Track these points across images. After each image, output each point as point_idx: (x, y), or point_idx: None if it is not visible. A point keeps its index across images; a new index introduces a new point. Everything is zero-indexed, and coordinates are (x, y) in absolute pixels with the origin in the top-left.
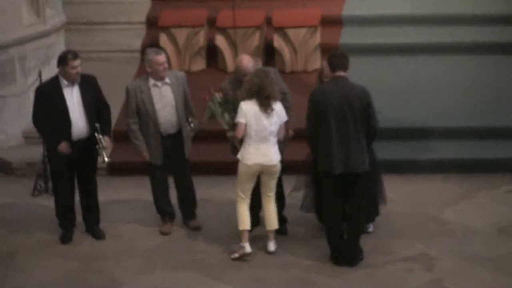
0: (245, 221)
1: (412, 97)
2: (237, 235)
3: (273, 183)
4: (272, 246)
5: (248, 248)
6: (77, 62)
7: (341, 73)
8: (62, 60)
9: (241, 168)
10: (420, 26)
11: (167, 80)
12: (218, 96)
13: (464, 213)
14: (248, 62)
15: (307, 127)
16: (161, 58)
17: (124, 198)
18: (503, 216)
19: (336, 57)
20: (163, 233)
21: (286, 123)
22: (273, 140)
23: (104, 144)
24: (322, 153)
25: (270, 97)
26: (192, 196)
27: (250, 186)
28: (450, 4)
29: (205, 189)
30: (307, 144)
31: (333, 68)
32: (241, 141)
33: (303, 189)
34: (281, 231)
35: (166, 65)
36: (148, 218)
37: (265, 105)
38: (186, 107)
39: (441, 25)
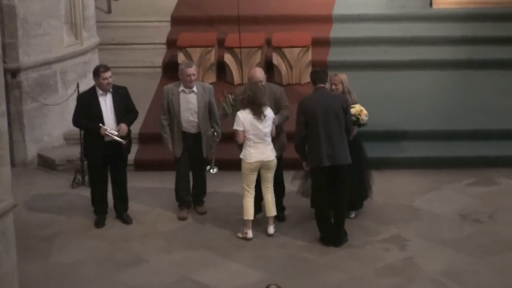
0: (249, 212)
1: (388, 105)
2: (242, 221)
3: (270, 176)
4: (271, 229)
5: (250, 234)
6: (107, 74)
7: (322, 85)
8: (96, 73)
9: (244, 166)
10: (395, 47)
11: (194, 89)
12: (230, 97)
13: (432, 202)
14: (260, 72)
15: (298, 131)
16: (190, 70)
17: (148, 189)
18: (464, 205)
19: (317, 73)
20: (181, 219)
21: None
22: (268, 140)
23: (116, 132)
24: (313, 152)
25: (262, 104)
26: (203, 187)
27: (253, 180)
28: (420, 28)
29: (215, 182)
30: (295, 146)
31: (315, 81)
32: (241, 144)
33: (302, 177)
34: (280, 218)
35: (193, 77)
36: (167, 206)
37: (258, 113)
38: (210, 115)
39: (414, 45)
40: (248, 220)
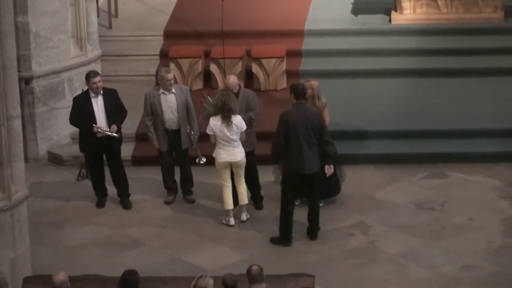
0: (228, 203)
1: (353, 108)
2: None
3: (241, 172)
4: (244, 216)
5: (232, 221)
6: (96, 79)
7: (302, 100)
8: (87, 77)
9: (216, 164)
10: (359, 57)
11: (173, 90)
12: (210, 98)
13: (391, 193)
14: (233, 80)
15: (277, 139)
16: (169, 76)
17: (144, 182)
18: (418, 195)
19: (298, 88)
20: (167, 203)
21: (244, 131)
22: (236, 143)
23: (107, 129)
24: (292, 160)
25: (231, 110)
26: (190, 177)
27: (227, 175)
28: (380, 41)
29: (203, 174)
30: (272, 153)
31: (297, 96)
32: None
33: (278, 169)
34: (258, 207)
35: (172, 81)
36: (161, 196)
37: (226, 118)
38: (188, 112)
39: (375, 56)
40: (229, 210)
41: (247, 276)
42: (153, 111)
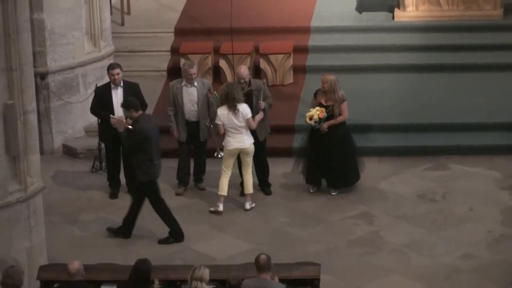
0: (223, 188)
1: (358, 103)
2: (232, 198)
3: (249, 160)
4: (247, 205)
5: (221, 208)
6: (115, 71)
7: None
8: (107, 69)
9: (225, 151)
10: (364, 53)
11: (195, 83)
12: (215, 94)
13: (394, 184)
14: (244, 70)
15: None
16: (192, 70)
17: None
18: (421, 187)
19: None
20: (178, 194)
21: (251, 117)
22: (244, 130)
23: (125, 120)
24: None
25: (235, 99)
26: (203, 166)
27: (231, 163)
28: (384, 38)
29: (216, 165)
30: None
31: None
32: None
33: (299, 160)
34: (267, 192)
35: (194, 75)
36: (171, 187)
37: (232, 107)
38: (208, 105)
39: (379, 52)
40: (221, 195)
41: (255, 265)
42: (175, 102)
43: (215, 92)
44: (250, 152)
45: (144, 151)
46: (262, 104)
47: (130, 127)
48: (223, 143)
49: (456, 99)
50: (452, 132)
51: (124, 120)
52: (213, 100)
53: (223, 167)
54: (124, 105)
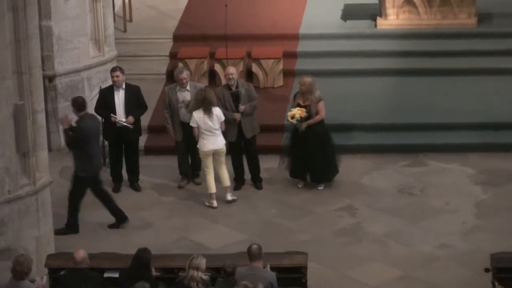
0: (211, 186)
1: (342, 104)
2: (234, 193)
3: (222, 159)
4: (229, 196)
5: (215, 203)
6: (114, 73)
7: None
8: (110, 71)
9: (200, 153)
10: (348, 58)
11: (187, 87)
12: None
13: (375, 179)
14: (232, 68)
15: None
16: (182, 76)
17: (154, 169)
18: (400, 181)
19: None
20: (180, 187)
21: (223, 121)
22: (218, 132)
23: (123, 119)
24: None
25: (211, 103)
26: (199, 164)
27: (210, 162)
28: (367, 44)
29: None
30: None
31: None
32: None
33: (285, 158)
34: (258, 187)
35: (185, 80)
36: (170, 182)
37: (208, 111)
38: None
39: (362, 57)
40: (212, 193)
41: (247, 254)
42: (170, 105)
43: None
44: (222, 152)
45: (82, 148)
46: (242, 107)
47: (73, 124)
48: (198, 146)
49: (433, 101)
50: (429, 131)
51: (124, 120)
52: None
53: (204, 168)
54: (71, 104)
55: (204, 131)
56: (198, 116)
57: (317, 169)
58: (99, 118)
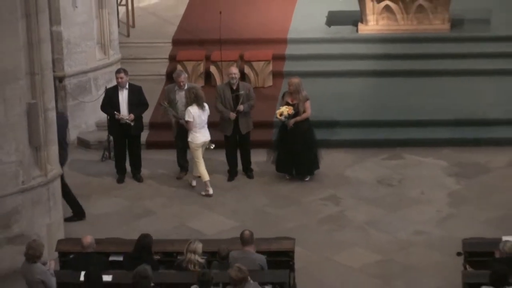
0: (205, 175)
1: (327, 103)
2: (224, 184)
3: (203, 150)
4: (211, 190)
5: (211, 191)
6: (119, 75)
7: None
8: (115, 73)
9: (192, 146)
10: (332, 61)
11: (185, 88)
12: (165, 103)
13: (357, 171)
14: (235, 68)
15: None
16: (180, 78)
17: (155, 162)
18: (380, 173)
19: None
20: (178, 178)
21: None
22: (206, 125)
23: (127, 117)
24: None
25: (202, 98)
26: None
27: (200, 154)
28: (350, 47)
29: (207, 153)
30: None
31: None
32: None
33: (272, 153)
34: (249, 177)
35: (183, 83)
36: (169, 173)
37: (201, 106)
38: None
39: (345, 60)
40: (207, 181)
41: (240, 239)
42: (169, 103)
43: (164, 102)
44: (207, 143)
45: None
46: (241, 107)
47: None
48: (189, 139)
49: (410, 100)
50: (407, 128)
51: (127, 117)
52: (166, 108)
53: (195, 159)
54: None
55: (197, 125)
56: (194, 111)
57: (302, 164)
58: (67, 118)
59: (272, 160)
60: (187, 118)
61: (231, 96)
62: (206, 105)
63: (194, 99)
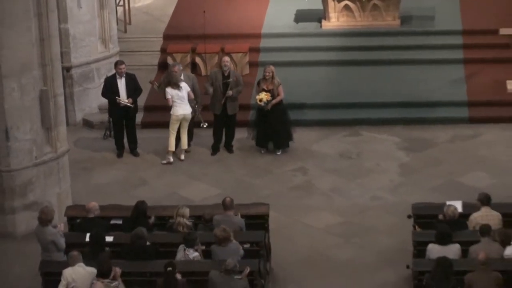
0: (171, 145)
1: (295, 88)
2: (209, 158)
3: (186, 124)
4: (182, 156)
5: (171, 159)
6: (122, 66)
7: None
8: (115, 64)
9: (173, 117)
10: (299, 52)
11: (182, 77)
12: (156, 83)
13: (322, 146)
14: (228, 58)
15: None
16: (175, 69)
17: (150, 140)
18: (341, 148)
19: None
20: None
21: (190, 91)
22: (186, 101)
23: (126, 100)
24: None
25: (176, 81)
26: (191, 134)
27: (176, 126)
28: (315, 41)
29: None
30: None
31: None
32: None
33: (252, 130)
34: (230, 151)
35: (176, 73)
36: (161, 150)
37: (176, 85)
38: (194, 92)
39: (311, 51)
40: (170, 151)
41: (222, 205)
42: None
43: (155, 82)
44: (188, 118)
45: None
46: (230, 92)
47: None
48: (171, 112)
49: (366, 85)
50: (364, 109)
51: (126, 101)
52: (156, 88)
53: (170, 130)
54: None
55: (176, 100)
56: (169, 91)
57: (278, 139)
58: None
59: (252, 136)
60: (166, 96)
61: (221, 82)
62: (183, 84)
63: (167, 82)
